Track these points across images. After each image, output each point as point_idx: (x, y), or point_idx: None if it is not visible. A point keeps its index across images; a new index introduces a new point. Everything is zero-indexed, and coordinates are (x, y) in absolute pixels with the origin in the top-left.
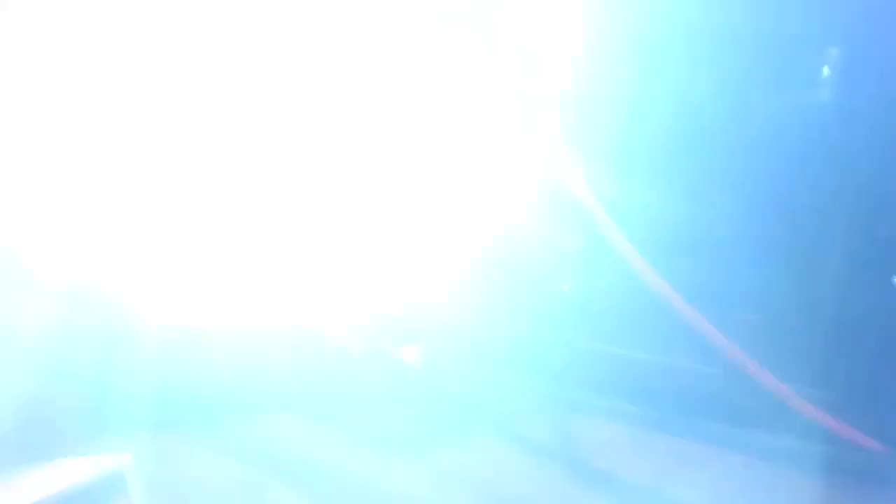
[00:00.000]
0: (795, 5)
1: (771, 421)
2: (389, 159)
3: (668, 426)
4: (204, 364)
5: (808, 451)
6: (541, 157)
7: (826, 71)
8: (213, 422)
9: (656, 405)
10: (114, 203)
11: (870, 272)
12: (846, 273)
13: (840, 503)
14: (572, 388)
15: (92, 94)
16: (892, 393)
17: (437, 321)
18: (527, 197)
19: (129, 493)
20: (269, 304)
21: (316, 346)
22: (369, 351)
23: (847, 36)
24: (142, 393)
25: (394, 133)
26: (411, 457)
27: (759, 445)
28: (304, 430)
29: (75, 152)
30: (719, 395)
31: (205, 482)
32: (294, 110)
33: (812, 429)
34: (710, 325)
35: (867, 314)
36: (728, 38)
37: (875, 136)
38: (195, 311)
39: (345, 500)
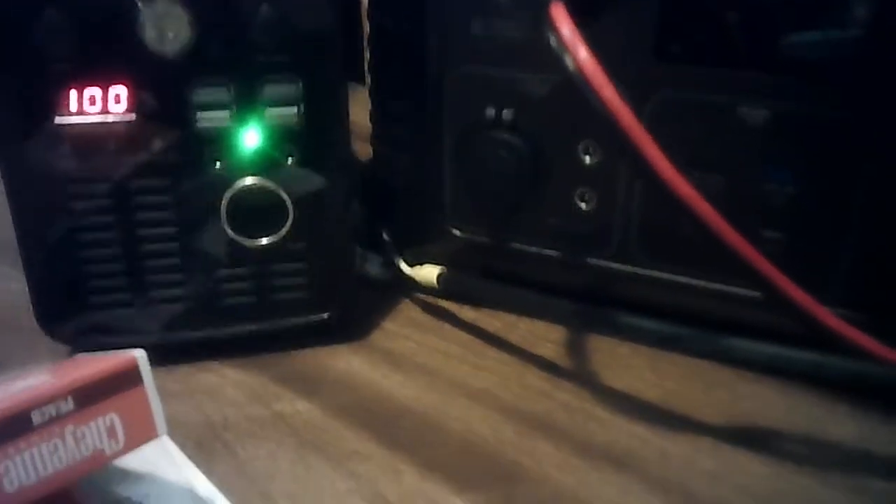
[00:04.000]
0: None
1: (801, 340)
2: None
3: (690, 345)
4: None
5: (837, 370)
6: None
7: None
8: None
9: (679, 324)
10: None
11: None
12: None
13: (867, 422)
14: (591, 305)
15: None
16: None
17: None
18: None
19: (144, 386)
20: None
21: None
22: (388, 274)
23: None
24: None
25: None
26: (427, 373)
27: (785, 363)
28: (321, 346)
29: None
30: (748, 314)
31: (217, 388)
32: None
33: (844, 347)
34: (743, 240)
35: None
36: None
37: None
38: None
39: (360, 414)
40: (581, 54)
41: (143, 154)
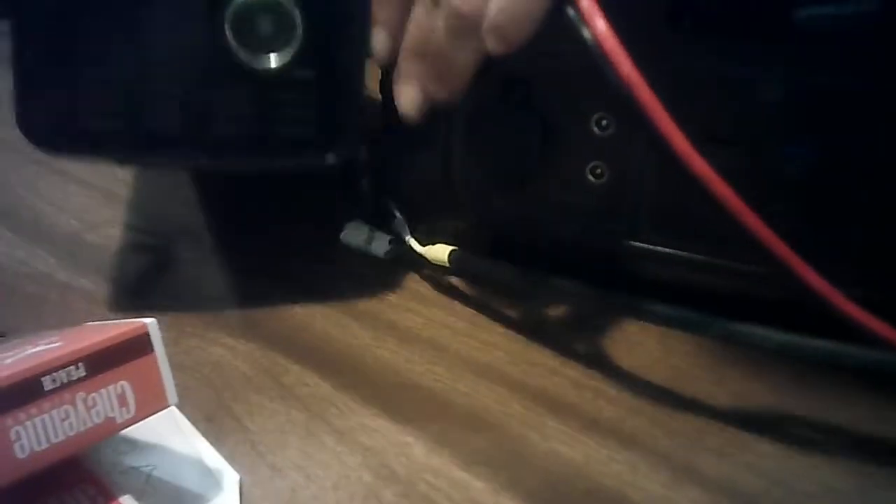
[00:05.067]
0: None
1: (816, 317)
2: None
3: (697, 326)
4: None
5: (852, 358)
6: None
7: None
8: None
9: (688, 304)
10: None
11: None
12: None
13: (877, 404)
14: (604, 289)
15: None
16: None
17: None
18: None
19: (155, 354)
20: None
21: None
22: (392, 248)
23: None
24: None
25: None
26: (435, 348)
27: (797, 351)
28: (329, 320)
29: None
30: (760, 292)
31: (226, 362)
32: None
33: (859, 332)
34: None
35: None
36: None
37: None
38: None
39: (368, 388)
40: (599, 26)
41: None
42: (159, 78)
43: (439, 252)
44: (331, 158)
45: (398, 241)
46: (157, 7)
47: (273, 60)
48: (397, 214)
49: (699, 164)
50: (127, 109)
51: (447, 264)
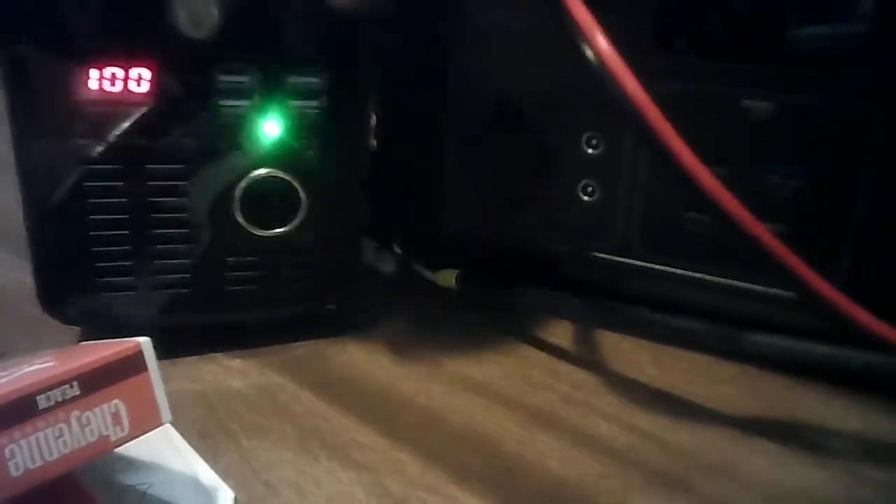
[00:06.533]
0: None
1: (801, 333)
2: None
3: (690, 339)
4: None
5: (847, 361)
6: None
7: None
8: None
9: (685, 317)
10: None
11: None
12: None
13: (869, 415)
14: (597, 300)
15: None
16: None
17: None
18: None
19: (149, 372)
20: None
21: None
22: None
23: None
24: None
25: None
26: (428, 365)
27: (800, 356)
28: (323, 338)
29: None
30: (749, 308)
31: (220, 379)
32: None
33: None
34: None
35: None
36: None
37: None
38: None
39: (362, 405)
40: (600, 43)
41: (161, 138)
42: (171, 251)
43: (446, 277)
44: (332, 308)
45: (405, 265)
46: (169, 186)
47: (278, 231)
48: (398, 249)
49: (707, 179)
50: (139, 282)
51: (455, 287)
